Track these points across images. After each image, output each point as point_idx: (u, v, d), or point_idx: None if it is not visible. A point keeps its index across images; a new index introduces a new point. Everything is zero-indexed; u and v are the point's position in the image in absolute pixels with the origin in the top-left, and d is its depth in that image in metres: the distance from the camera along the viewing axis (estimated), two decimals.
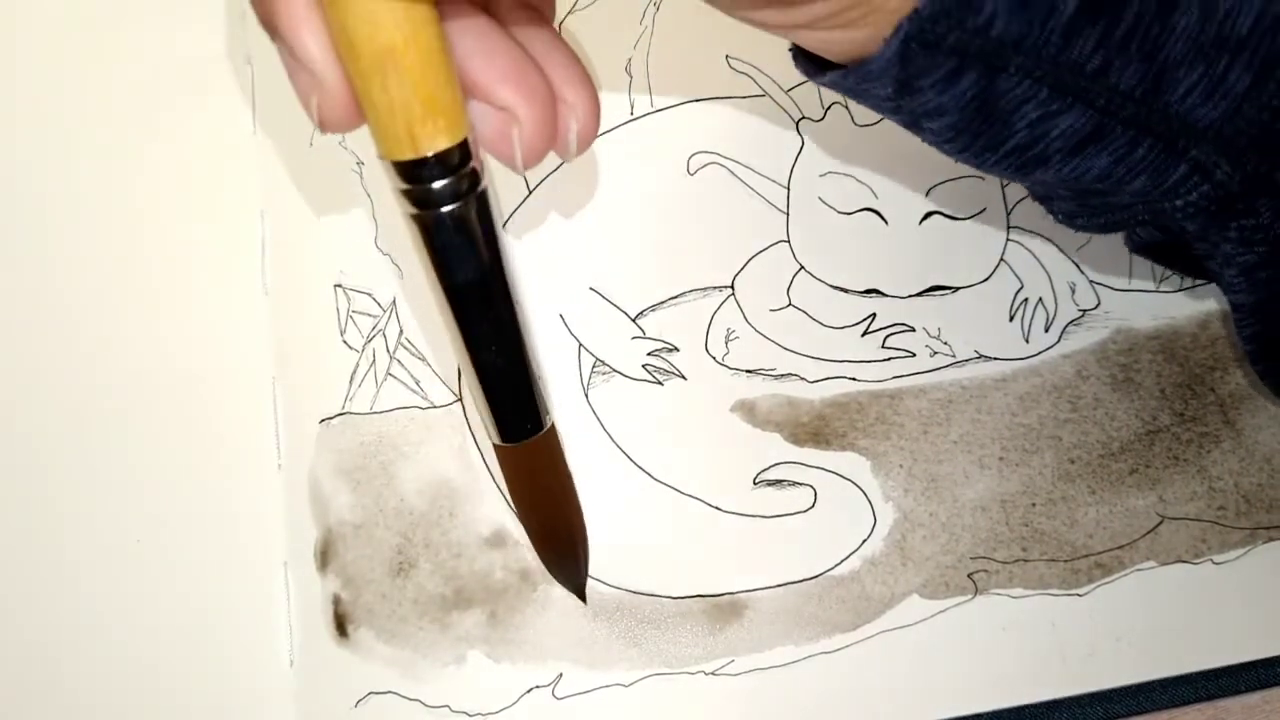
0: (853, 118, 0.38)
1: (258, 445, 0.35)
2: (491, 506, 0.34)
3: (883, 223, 0.37)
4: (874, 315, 0.36)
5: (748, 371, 0.36)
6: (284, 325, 0.36)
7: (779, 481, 0.34)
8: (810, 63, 0.27)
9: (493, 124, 0.23)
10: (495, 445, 0.29)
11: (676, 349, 0.36)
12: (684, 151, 0.38)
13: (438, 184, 0.23)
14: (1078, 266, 0.37)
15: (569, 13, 0.39)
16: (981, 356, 0.36)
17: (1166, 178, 0.26)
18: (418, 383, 0.36)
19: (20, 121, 0.39)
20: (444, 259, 0.24)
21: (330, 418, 0.35)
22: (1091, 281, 0.36)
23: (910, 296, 0.36)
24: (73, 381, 0.36)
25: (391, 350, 0.36)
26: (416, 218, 0.23)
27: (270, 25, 0.22)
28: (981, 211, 0.37)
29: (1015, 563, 0.33)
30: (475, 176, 0.23)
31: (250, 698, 0.33)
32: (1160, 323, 0.36)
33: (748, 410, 0.35)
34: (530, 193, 0.37)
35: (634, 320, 0.36)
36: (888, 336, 0.36)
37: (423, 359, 0.36)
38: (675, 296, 0.36)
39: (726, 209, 0.37)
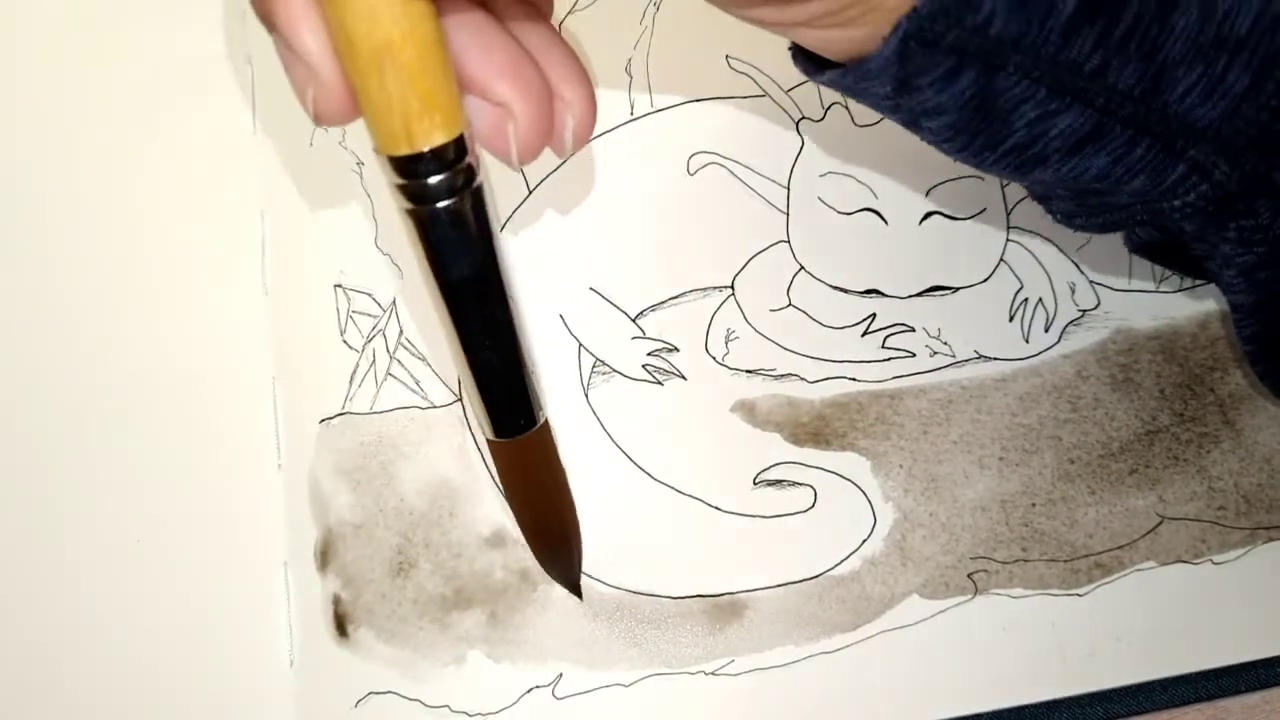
0: (853, 118, 0.38)
1: (258, 445, 0.35)
2: (491, 506, 0.34)
3: (883, 223, 0.37)
4: (874, 315, 0.36)
5: (748, 371, 0.36)
6: (284, 325, 0.36)
7: (779, 481, 0.34)
8: (809, 61, 0.27)
9: (489, 119, 0.23)
10: (489, 441, 0.29)
11: (676, 349, 0.36)
12: (684, 151, 0.38)
13: (433, 179, 0.23)
14: (1078, 267, 0.37)
15: (569, 13, 0.39)
16: (981, 357, 0.36)
17: (1165, 178, 0.26)
18: (418, 383, 0.36)
19: (20, 121, 0.39)
20: (439, 254, 0.24)
21: (330, 418, 0.35)
22: (1091, 282, 0.36)
23: (910, 296, 0.36)
24: (73, 381, 0.36)
25: (391, 350, 0.36)
26: (412, 213, 0.23)
27: (267, 18, 0.22)
28: (981, 212, 0.37)
29: (1015, 563, 0.33)
30: (471, 172, 0.23)
31: (250, 698, 0.33)
32: (1160, 323, 0.36)
33: (748, 410, 0.35)
34: (530, 193, 0.38)
35: (634, 320, 0.36)
36: (888, 337, 0.36)
37: (423, 359, 0.36)
38: (675, 296, 0.36)
39: (726, 209, 0.37)
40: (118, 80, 0.39)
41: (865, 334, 0.36)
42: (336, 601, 0.33)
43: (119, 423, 0.35)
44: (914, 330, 0.36)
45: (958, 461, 0.34)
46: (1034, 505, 0.34)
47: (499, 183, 0.37)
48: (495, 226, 0.24)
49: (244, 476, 0.35)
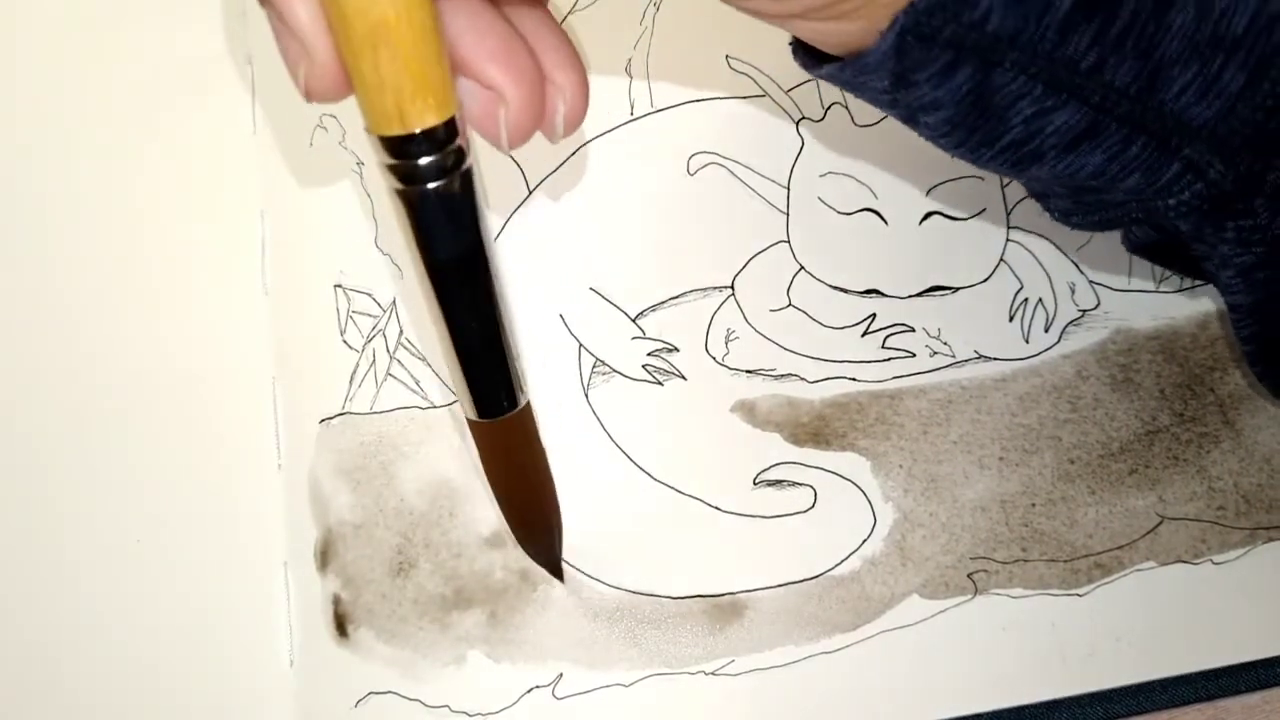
0: (853, 118, 0.38)
1: (258, 445, 0.35)
2: (491, 506, 0.34)
3: (883, 223, 0.37)
4: (874, 315, 0.36)
5: (748, 371, 0.36)
6: (284, 325, 0.36)
7: (779, 481, 0.34)
8: (809, 56, 0.27)
9: (480, 102, 0.24)
10: (471, 422, 0.29)
11: (676, 349, 0.36)
12: (684, 151, 0.38)
13: (424, 160, 0.23)
14: (1077, 267, 0.37)
15: (569, 13, 0.39)
16: (981, 357, 0.36)
17: (1160, 176, 0.26)
18: (418, 383, 0.36)
19: (20, 121, 0.39)
20: (427, 234, 0.24)
21: (330, 418, 0.35)
22: (1091, 282, 0.36)
23: (910, 297, 0.36)
24: (73, 381, 0.36)
25: (391, 350, 0.36)
26: (401, 193, 0.23)
27: None
28: (981, 212, 0.37)
29: (1015, 563, 0.33)
30: (461, 154, 0.23)
31: (250, 698, 0.33)
32: (1160, 323, 0.36)
33: (748, 410, 0.35)
34: (530, 193, 0.38)
35: (634, 320, 0.36)
36: (888, 337, 0.36)
37: (423, 359, 0.36)
38: (675, 296, 0.36)
39: (726, 209, 0.37)
40: (118, 80, 0.39)
41: (865, 334, 0.36)
42: (336, 601, 0.33)
43: (119, 423, 0.35)
44: (914, 330, 0.36)
45: (958, 461, 0.34)
46: (1034, 505, 0.34)
47: (500, 183, 0.38)
48: (483, 209, 0.24)
49: (244, 476, 0.35)
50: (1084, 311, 0.36)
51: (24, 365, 0.36)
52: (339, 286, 0.37)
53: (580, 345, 0.36)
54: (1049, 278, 0.36)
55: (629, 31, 0.39)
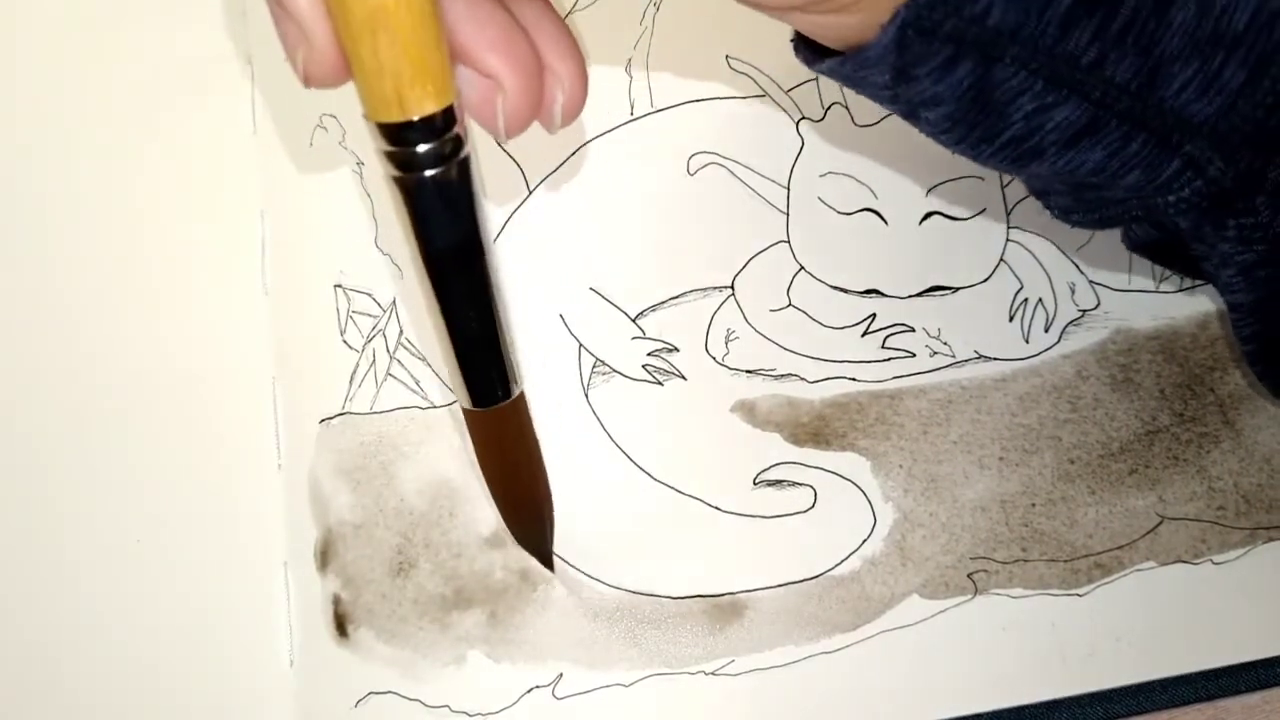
0: (853, 118, 0.38)
1: (258, 445, 0.35)
2: (491, 506, 0.34)
3: (883, 223, 0.37)
4: (874, 315, 0.36)
5: (748, 372, 0.36)
6: (284, 325, 0.36)
7: (779, 481, 0.34)
8: (810, 50, 0.27)
9: (478, 90, 0.23)
10: (465, 411, 0.29)
11: (676, 349, 0.36)
12: (684, 151, 0.38)
13: (422, 147, 0.23)
14: (1077, 267, 0.37)
15: (569, 13, 0.39)
16: (981, 357, 0.36)
17: (1160, 173, 0.26)
18: (418, 383, 0.36)
19: (20, 121, 0.39)
20: (424, 223, 0.24)
21: (330, 418, 0.35)
22: (1091, 282, 0.36)
23: (910, 297, 0.36)
24: (73, 381, 0.36)
25: (391, 350, 0.36)
26: (399, 180, 0.23)
27: None
28: (981, 212, 0.37)
29: (1015, 563, 0.33)
30: (459, 142, 0.23)
31: (250, 698, 0.33)
32: (1160, 323, 0.36)
33: (748, 410, 0.35)
34: (530, 193, 0.38)
35: (634, 320, 0.36)
36: (888, 337, 0.36)
37: (423, 359, 0.36)
38: (675, 296, 0.36)
39: (726, 209, 0.37)
40: (118, 80, 0.39)
41: (865, 334, 0.36)
42: (336, 601, 0.33)
43: (119, 423, 0.35)
44: (914, 330, 0.36)
45: (958, 461, 0.34)
46: (1034, 505, 0.34)
47: (500, 183, 0.38)
48: (480, 197, 0.24)
49: (244, 476, 0.35)
50: (1084, 311, 0.36)
51: (24, 365, 0.36)
52: (339, 286, 0.37)
53: (580, 345, 0.36)
54: (1049, 278, 0.36)
55: (629, 31, 0.39)
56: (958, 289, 0.36)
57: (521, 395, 0.29)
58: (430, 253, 0.25)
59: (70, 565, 0.34)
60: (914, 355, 0.36)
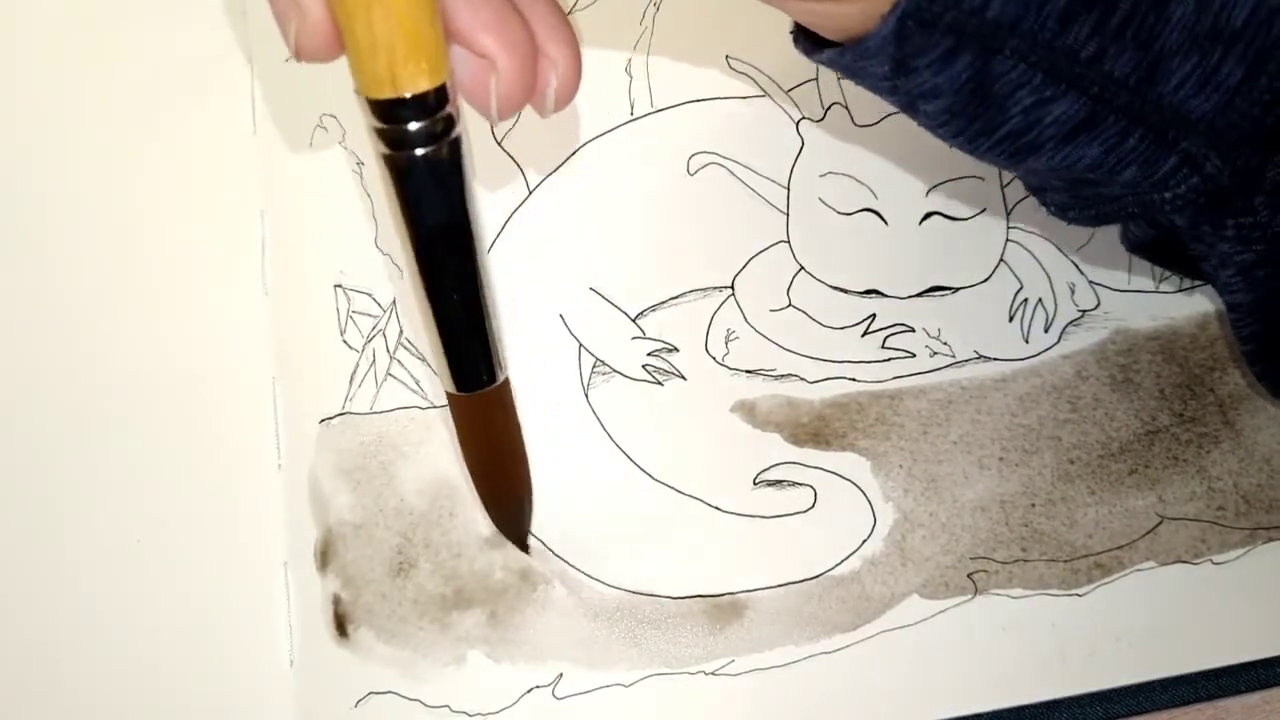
0: (852, 118, 0.38)
1: (258, 445, 0.35)
2: None
3: (883, 223, 0.37)
4: (874, 315, 0.36)
5: (748, 372, 0.36)
6: (284, 325, 0.36)
7: (779, 482, 0.34)
8: (809, 41, 0.27)
9: (471, 71, 0.23)
10: (449, 395, 0.29)
11: (676, 349, 0.36)
12: (684, 151, 0.38)
13: (414, 125, 0.22)
14: (1077, 267, 0.37)
15: (569, 13, 0.39)
16: (981, 357, 0.36)
17: (1156, 169, 0.26)
18: (418, 383, 0.36)
19: (20, 121, 0.39)
20: (414, 201, 0.24)
21: (330, 418, 0.35)
22: (1091, 282, 0.36)
23: (910, 297, 0.36)
24: (73, 381, 0.36)
25: (391, 350, 0.36)
26: (389, 158, 0.23)
27: None
28: (981, 212, 0.37)
29: (1015, 563, 0.33)
30: (451, 121, 0.23)
31: (250, 698, 0.33)
32: (1159, 323, 0.36)
33: (748, 410, 0.35)
34: (530, 193, 0.38)
35: (634, 320, 0.36)
36: (888, 337, 0.36)
37: (423, 359, 0.36)
38: (675, 296, 0.36)
39: (726, 209, 0.37)
40: (118, 80, 0.39)
41: (865, 334, 0.36)
42: (336, 601, 0.33)
43: (119, 423, 0.35)
44: (914, 330, 0.36)
45: (958, 462, 0.34)
46: (1034, 505, 0.34)
47: (500, 183, 0.38)
48: (471, 178, 0.24)
49: (244, 476, 0.35)
50: (1084, 312, 0.36)
51: (24, 365, 0.36)
52: (339, 286, 0.37)
53: (580, 345, 0.36)
54: (1049, 278, 0.36)
55: (629, 31, 0.39)
56: (958, 289, 0.36)
57: (506, 382, 0.29)
58: (418, 232, 0.25)
59: (70, 565, 0.34)
60: (914, 355, 0.36)
